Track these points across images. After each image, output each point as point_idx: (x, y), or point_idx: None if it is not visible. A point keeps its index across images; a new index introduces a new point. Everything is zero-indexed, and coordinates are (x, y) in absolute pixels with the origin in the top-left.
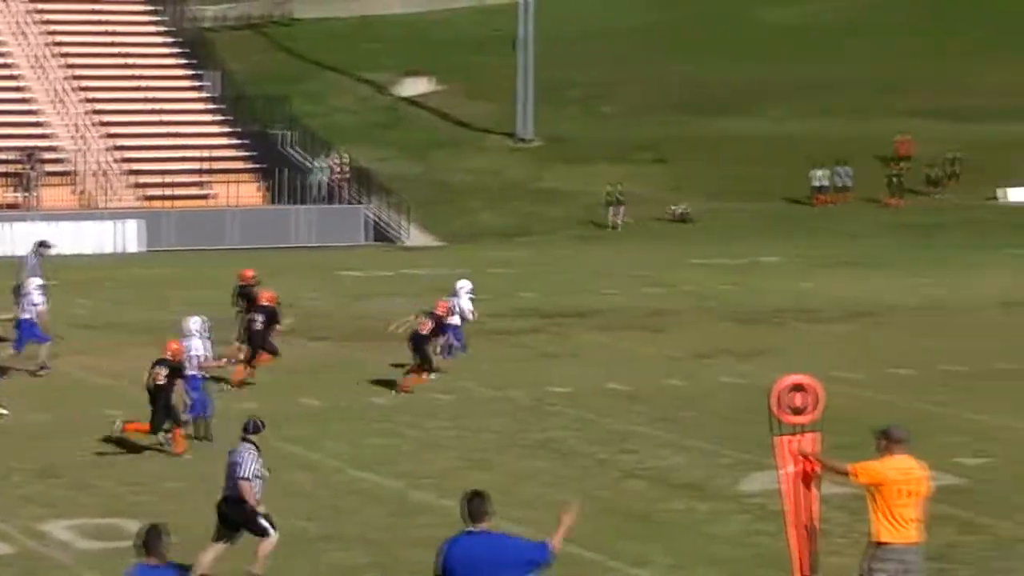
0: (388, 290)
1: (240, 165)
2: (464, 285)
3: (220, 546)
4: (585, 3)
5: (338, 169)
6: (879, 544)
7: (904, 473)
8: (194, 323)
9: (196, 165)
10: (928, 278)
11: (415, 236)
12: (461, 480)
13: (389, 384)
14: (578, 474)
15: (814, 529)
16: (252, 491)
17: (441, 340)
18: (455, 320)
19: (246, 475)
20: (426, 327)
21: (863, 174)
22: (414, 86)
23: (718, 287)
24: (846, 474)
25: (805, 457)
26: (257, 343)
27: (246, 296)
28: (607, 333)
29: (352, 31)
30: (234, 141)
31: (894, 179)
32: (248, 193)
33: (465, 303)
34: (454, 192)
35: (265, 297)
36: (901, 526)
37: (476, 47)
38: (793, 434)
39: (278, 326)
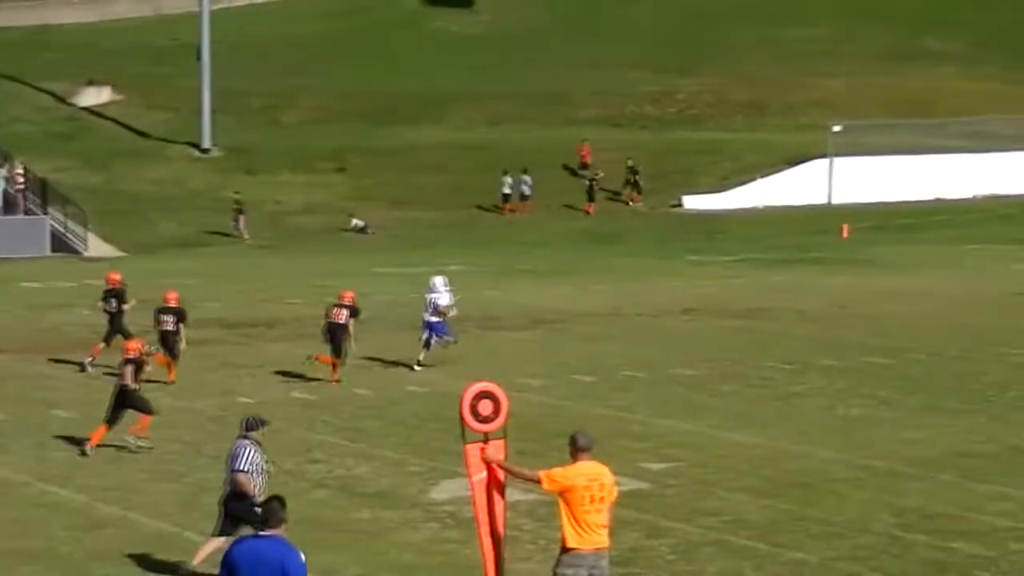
0: (69, 301)
1: None
2: (438, 280)
3: (220, 540)
4: (264, 12)
5: (19, 180)
6: (567, 550)
7: (591, 479)
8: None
9: None
10: (611, 285)
11: (96, 246)
12: (146, 493)
13: (77, 395)
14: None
15: (501, 536)
16: (251, 483)
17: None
18: (433, 317)
19: (242, 467)
20: (341, 316)
21: (549, 182)
22: (94, 96)
23: (404, 296)
24: (534, 481)
25: (491, 465)
26: None
27: None
28: (292, 343)
29: (31, 40)
30: None
31: (592, 184)
32: None
33: (443, 299)
34: (135, 202)
35: None
36: (589, 532)
37: (156, 56)
38: (481, 442)
39: None
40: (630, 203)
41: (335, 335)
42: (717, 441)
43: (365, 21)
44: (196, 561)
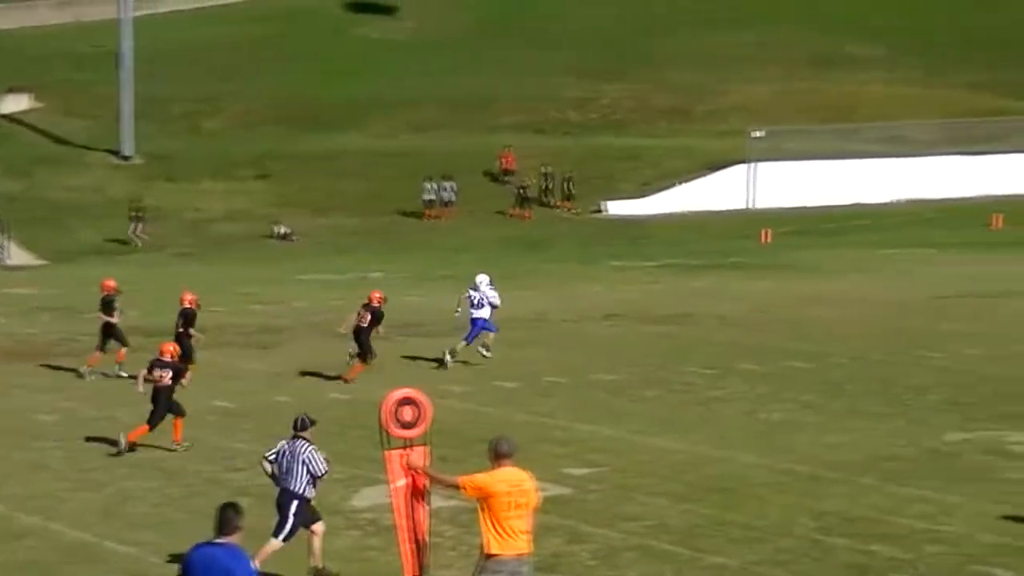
0: None
1: None
2: (483, 279)
3: (307, 533)
4: (187, 18)
5: None
6: (489, 556)
7: (513, 485)
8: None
9: None
10: (533, 291)
11: (16, 255)
12: (68, 502)
13: None
14: (185, 493)
15: (424, 543)
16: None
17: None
18: (484, 313)
19: (324, 473)
20: (365, 320)
21: (472, 188)
22: (14, 103)
23: (327, 302)
24: (455, 487)
25: (414, 471)
26: None
27: None
28: (214, 350)
29: None
30: None
31: (521, 191)
32: None
33: (491, 294)
34: (56, 210)
35: None
36: (510, 537)
37: (77, 63)
38: (403, 448)
39: None
40: (557, 209)
41: (360, 337)
42: (639, 446)
43: (289, 28)
44: (313, 562)
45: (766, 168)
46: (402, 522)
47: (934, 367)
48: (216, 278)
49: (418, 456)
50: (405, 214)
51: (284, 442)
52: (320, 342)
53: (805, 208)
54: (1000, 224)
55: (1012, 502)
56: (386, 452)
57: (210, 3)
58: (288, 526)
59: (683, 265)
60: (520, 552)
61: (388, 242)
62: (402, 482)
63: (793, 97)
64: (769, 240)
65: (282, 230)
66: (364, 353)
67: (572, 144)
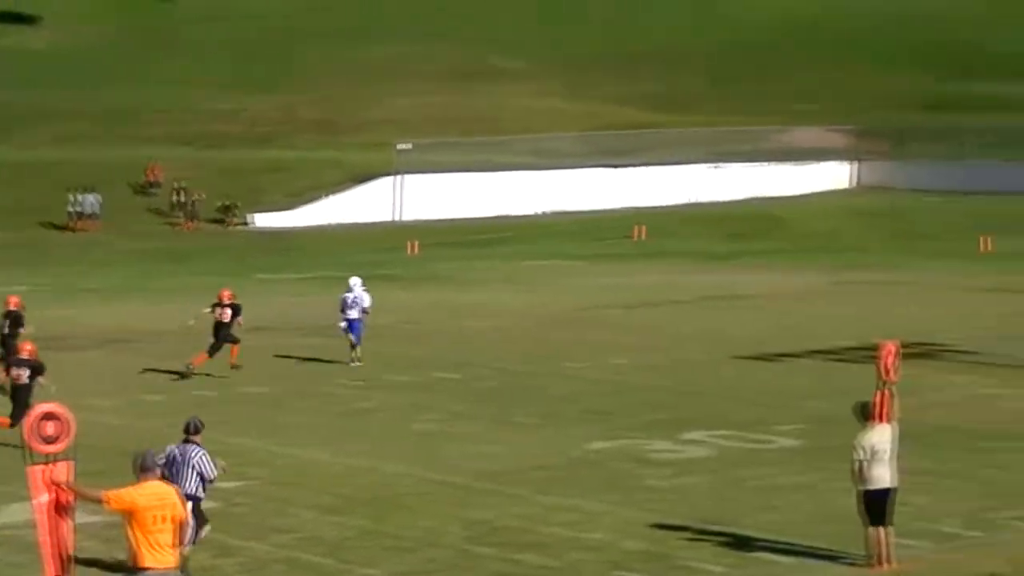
0: None
1: None
2: (356, 281)
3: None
4: None
5: None
6: (137, 570)
7: (158, 499)
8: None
9: None
10: (180, 304)
11: None
12: None
13: None
14: None
15: (69, 558)
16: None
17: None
18: (354, 313)
19: (214, 476)
20: (226, 316)
21: (118, 200)
22: None
23: None
24: (99, 501)
25: (58, 486)
26: None
27: None
28: None
29: None
30: None
31: (189, 205)
32: None
33: (363, 297)
34: None
35: None
36: (158, 551)
37: None
38: (46, 463)
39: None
40: (185, 228)
41: (219, 332)
42: (289, 458)
43: None
44: None
45: (413, 180)
46: (46, 538)
47: (579, 377)
48: None
49: (61, 471)
50: (52, 227)
51: (174, 446)
52: None
53: (452, 220)
54: (643, 235)
55: (655, 509)
56: (29, 468)
57: None
58: (190, 530)
59: (331, 277)
60: (169, 565)
61: (32, 255)
62: (45, 497)
63: (439, 110)
64: (416, 252)
65: None
66: (216, 348)
67: (218, 156)
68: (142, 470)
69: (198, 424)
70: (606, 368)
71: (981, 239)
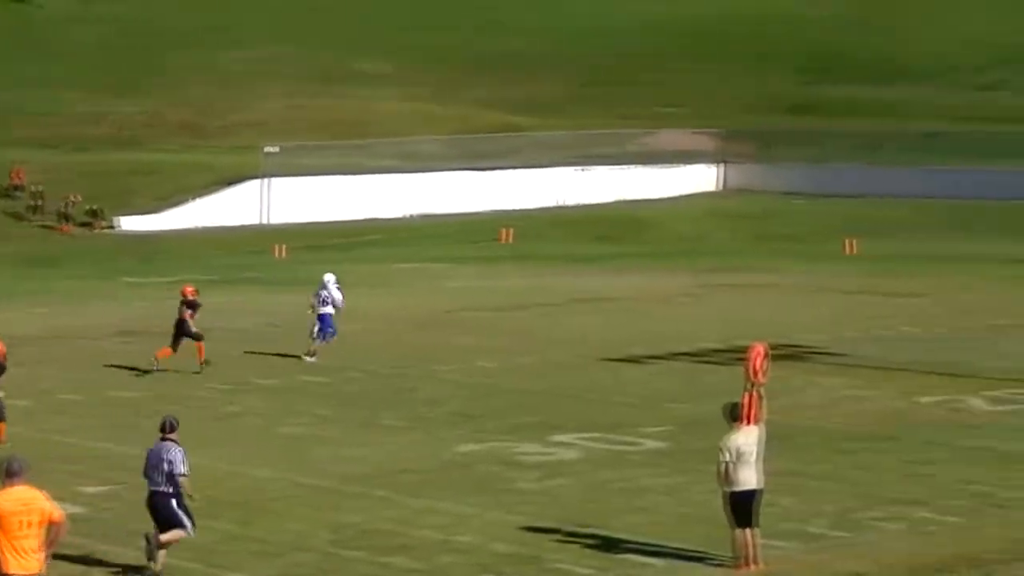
0: None
1: None
2: (330, 278)
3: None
4: None
5: None
6: (5, 575)
7: (22, 504)
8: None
9: None
10: (45, 308)
11: None
12: None
13: None
14: None
15: None
16: (189, 485)
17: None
18: (328, 309)
19: (185, 472)
20: (186, 313)
21: None
22: None
23: None
24: None
25: None
26: None
27: None
28: None
29: None
30: None
31: (64, 208)
32: None
33: (336, 293)
34: None
35: None
36: (22, 556)
37: None
38: None
39: None
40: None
41: (180, 328)
42: None
43: None
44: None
45: (280, 183)
46: None
47: (447, 380)
48: None
49: None
50: None
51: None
52: None
53: (319, 223)
54: (511, 238)
55: (524, 512)
56: None
57: None
58: (184, 518)
59: (199, 280)
60: (32, 572)
61: None
62: None
63: (305, 113)
64: (284, 255)
65: None
66: (176, 343)
67: (84, 159)
68: (9, 475)
69: (173, 423)
70: (475, 371)
71: (846, 241)
